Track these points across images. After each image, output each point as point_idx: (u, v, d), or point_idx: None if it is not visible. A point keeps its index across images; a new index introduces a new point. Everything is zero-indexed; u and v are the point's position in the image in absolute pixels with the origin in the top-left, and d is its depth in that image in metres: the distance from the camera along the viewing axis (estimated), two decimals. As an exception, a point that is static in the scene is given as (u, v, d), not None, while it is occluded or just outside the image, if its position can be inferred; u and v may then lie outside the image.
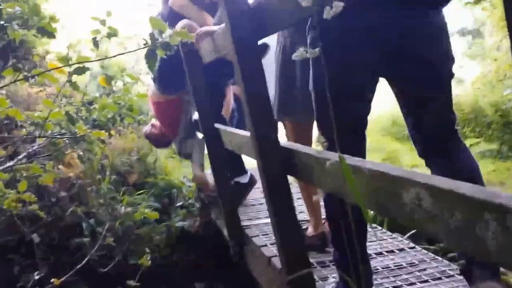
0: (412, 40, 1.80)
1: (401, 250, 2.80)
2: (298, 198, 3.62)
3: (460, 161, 1.87)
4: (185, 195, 5.00)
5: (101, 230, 4.45)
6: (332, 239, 2.10)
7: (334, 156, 1.60)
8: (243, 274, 3.79)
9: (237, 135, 2.71)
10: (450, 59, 1.89)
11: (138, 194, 4.98)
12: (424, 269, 2.50)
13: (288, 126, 2.95)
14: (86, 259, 3.21)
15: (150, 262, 3.08)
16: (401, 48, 1.80)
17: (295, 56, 1.34)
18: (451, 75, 1.90)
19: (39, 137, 2.51)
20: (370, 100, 1.91)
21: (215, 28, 2.80)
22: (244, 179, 3.86)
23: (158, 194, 5.07)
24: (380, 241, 2.96)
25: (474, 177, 1.83)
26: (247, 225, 3.43)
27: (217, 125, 3.27)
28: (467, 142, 8.49)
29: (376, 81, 1.91)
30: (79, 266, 3.22)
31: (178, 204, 4.94)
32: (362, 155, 1.92)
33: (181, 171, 5.50)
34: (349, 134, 1.85)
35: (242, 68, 2.10)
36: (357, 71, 1.82)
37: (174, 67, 3.60)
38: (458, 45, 15.09)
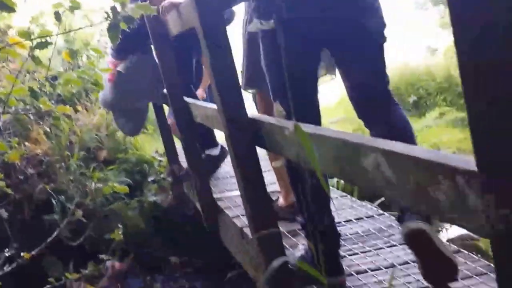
0: (343, 9, 1.89)
1: (370, 217, 2.89)
2: (269, 170, 3.67)
3: (393, 120, 1.98)
4: (157, 170, 5.02)
5: (71, 207, 4.46)
6: (297, 206, 2.17)
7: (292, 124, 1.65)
8: (217, 246, 3.85)
9: (205, 108, 2.74)
10: (381, 24, 1.97)
11: (108, 170, 4.98)
12: (392, 235, 2.59)
13: (257, 97, 2.98)
14: (55, 233, 3.21)
15: (122, 236, 3.10)
16: (335, 18, 1.91)
17: (250, 28, 1.38)
18: (383, 38, 1.99)
19: (2, 113, 2.49)
20: (316, 69, 2.02)
21: (180, 0, 2.79)
22: (215, 152, 3.90)
23: (129, 170, 5.07)
24: (349, 209, 3.04)
25: (406, 135, 1.94)
26: (219, 197, 3.48)
27: (186, 98, 3.29)
28: (439, 111, 8.66)
29: (319, 51, 2.01)
30: (49, 239, 3.22)
31: (150, 179, 4.96)
32: (317, 122, 2.01)
33: (152, 145, 5.50)
34: (303, 104, 1.94)
35: (208, 39, 2.11)
36: (303, 45, 1.91)
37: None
38: (431, 15, 15.20)
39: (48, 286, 2.88)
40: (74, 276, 2.85)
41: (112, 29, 1.97)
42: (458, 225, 1.01)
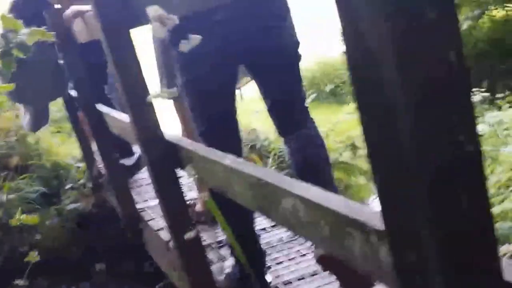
0: (259, 33, 1.95)
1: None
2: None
3: (307, 137, 2.06)
4: (75, 176, 4.86)
5: (-18, 222, 4.26)
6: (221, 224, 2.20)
7: (217, 157, 1.66)
8: (143, 254, 3.83)
9: (118, 120, 2.68)
10: (295, 43, 2.02)
11: (21, 179, 4.77)
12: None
13: (175, 105, 2.97)
14: None
15: (38, 257, 3.00)
16: (252, 40, 1.95)
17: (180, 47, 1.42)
18: (298, 57, 2.06)
19: None
20: (233, 92, 2.05)
21: (86, 7, 2.69)
22: (130, 161, 3.84)
23: (44, 177, 4.89)
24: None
25: (318, 152, 2.02)
26: (142, 208, 3.44)
27: (98, 106, 3.20)
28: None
29: (236, 71, 2.04)
30: None
31: (68, 186, 4.81)
32: (237, 148, 2.03)
33: (69, 148, 5.31)
34: (220, 127, 1.97)
35: (114, 56, 2.06)
36: (218, 64, 1.93)
37: None
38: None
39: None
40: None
41: (5, 56, 1.87)
42: (371, 276, 1.07)
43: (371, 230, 0.99)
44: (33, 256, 2.98)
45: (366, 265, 1.05)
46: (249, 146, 4.70)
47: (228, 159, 1.58)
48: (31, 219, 2.94)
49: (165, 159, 2.05)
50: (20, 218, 2.89)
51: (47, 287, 4.40)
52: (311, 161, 1.98)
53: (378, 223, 0.96)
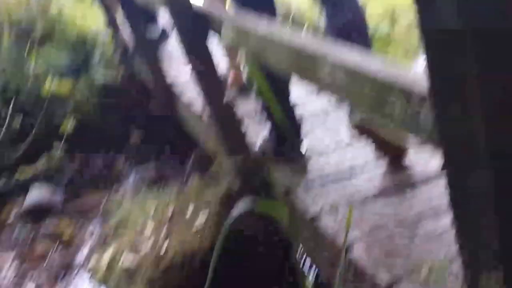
0: None
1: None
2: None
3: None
4: (101, 47, 4.88)
5: (13, 94, 4.38)
6: (258, 89, 2.26)
7: (253, 23, 1.67)
8: (177, 123, 3.96)
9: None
10: None
11: (47, 49, 4.82)
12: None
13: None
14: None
15: (72, 127, 3.12)
16: None
17: None
18: None
19: None
20: None
21: None
22: (155, 34, 3.84)
23: (70, 49, 4.92)
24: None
25: (356, 17, 2.00)
26: (173, 81, 3.50)
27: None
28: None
29: None
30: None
31: (96, 57, 4.84)
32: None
33: (92, 19, 5.26)
34: None
35: None
36: None
37: None
38: None
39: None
40: (28, 170, 2.90)
41: None
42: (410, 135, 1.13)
43: (412, 94, 1.03)
44: (67, 127, 3.10)
45: (405, 129, 1.11)
46: (282, 15, 4.59)
47: (263, 25, 1.59)
48: (62, 87, 3.03)
49: (196, 29, 2.07)
50: (51, 87, 2.96)
51: (83, 157, 4.62)
52: (349, 26, 1.96)
53: (419, 86, 1.01)
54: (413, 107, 1.05)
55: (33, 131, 3.13)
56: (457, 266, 1.48)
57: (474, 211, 0.86)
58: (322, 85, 1.34)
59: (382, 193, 1.96)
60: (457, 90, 0.80)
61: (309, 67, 1.33)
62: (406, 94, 1.05)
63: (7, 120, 3.15)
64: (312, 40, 1.41)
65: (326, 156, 2.32)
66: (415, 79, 1.05)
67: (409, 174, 2.04)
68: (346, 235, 1.46)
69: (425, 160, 2.08)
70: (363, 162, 2.19)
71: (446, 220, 1.62)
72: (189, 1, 2.07)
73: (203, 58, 2.15)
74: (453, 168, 0.90)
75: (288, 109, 2.23)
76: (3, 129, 3.08)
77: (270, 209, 1.22)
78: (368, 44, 2.02)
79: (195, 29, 2.06)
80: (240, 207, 1.13)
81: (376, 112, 1.17)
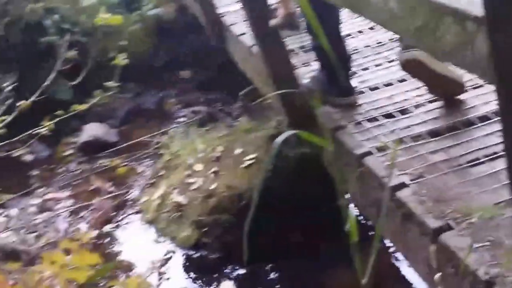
0: None
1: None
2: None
3: None
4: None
5: (68, 26, 4.46)
6: (307, 26, 2.20)
7: None
8: (226, 59, 3.94)
9: None
10: None
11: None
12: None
13: None
14: (59, 62, 3.20)
15: (125, 61, 3.16)
16: None
17: None
18: None
19: None
20: None
21: None
22: None
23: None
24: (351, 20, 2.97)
25: None
26: (223, 12, 3.46)
27: None
28: None
29: None
30: (56, 67, 3.21)
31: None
32: None
33: None
34: None
35: None
36: None
37: None
38: None
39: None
40: (82, 107, 2.98)
41: None
42: (462, 67, 1.07)
43: (468, 17, 0.97)
44: (121, 60, 3.14)
45: (458, 56, 1.05)
46: None
47: None
48: (114, 18, 3.05)
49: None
50: (104, 17, 2.99)
51: (137, 91, 4.70)
52: None
53: (476, 9, 0.94)
54: (468, 32, 0.99)
55: (88, 64, 3.16)
56: (509, 212, 1.42)
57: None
58: (374, 11, 1.28)
59: (435, 133, 1.90)
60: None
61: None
62: (460, 17, 0.98)
63: (62, 53, 3.21)
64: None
65: (378, 93, 2.26)
66: (473, 3, 0.98)
67: (464, 114, 1.96)
68: (390, 175, 1.42)
69: (482, 99, 1.98)
70: (416, 101, 2.12)
71: (501, 164, 1.55)
72: None
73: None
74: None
75: (338, 43, 2.16)
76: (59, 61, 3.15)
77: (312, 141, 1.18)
78: None
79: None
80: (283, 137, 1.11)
81: (427, 38, 1.12)
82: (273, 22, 2.40)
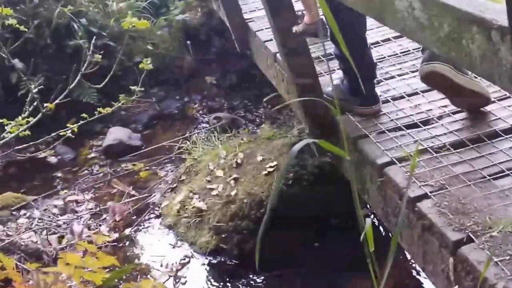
0: None
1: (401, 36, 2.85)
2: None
3: None
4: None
5: (95, 30, 4.53)
6: (330, 34, 2.19)
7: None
8: (250, 65, 3.96)
9: None
10: None
11: (129, -12, 4.92)
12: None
13: None
14: (86, 62, 3.23)
15: (151, 65, 3.19)
16: None
17: None
18: None
19: None
20: None
21: None
22: None
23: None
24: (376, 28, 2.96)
25: None
26: (250, 18, 3.48)
27: None
28: None
29: None
30: (83, 69, 3.25)
31: (177, -5, 4.90)
32: None
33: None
34: None
35: None
36: None
37: None
38: None
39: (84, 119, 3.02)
40: (106, 111, 3.02)
41: None
42: (487, 78, 1.06)
43: (493, 27, 0.96)
44: (147, 64, 3.17)
45: (483, 66, 1.04)
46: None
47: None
48: (142, 23, 3.08)
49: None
50: (132, 21, 3.02)
51: (161, 95, 4.74)
52: None
53: (502, 19, 0.93)
54: (493, 42, 0.98)
55: (113, 68, 3.19)
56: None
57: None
58: (399, 21, 1.28)
59: (458, 145, 1.88)
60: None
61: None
62: (485, 26, 0.97)
63: (88, 56, 3.25)
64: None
65: (402, 102, 2.24)
66: (499, 12, 0.97)
67: (489, 126, 1.93)
68: (410, 185, 1.40)
69: (508, 110, 1.96)
70: (440, 111, 2.10)
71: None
72: None
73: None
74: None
75: (364, 51, 2.15)
76: (84, 64, 3.19)
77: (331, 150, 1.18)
78: None
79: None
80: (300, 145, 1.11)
81: (452, 48, 1.11)
82: (298, 28, 2.41)
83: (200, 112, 4.52)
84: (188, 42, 4.75)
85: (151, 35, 4.78)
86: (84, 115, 3.09)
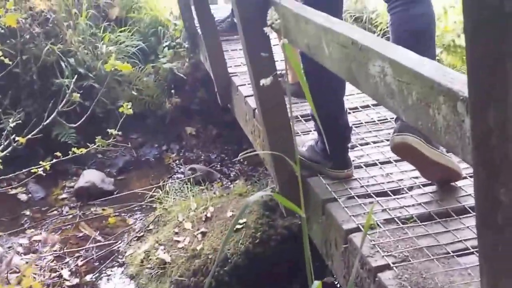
0: None
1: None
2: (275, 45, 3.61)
3: (417, 8, 1.91)
4: (172, 34, 4.97)
5: (83, 71, 4.53)
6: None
7: (310, 14, 1.61)
8: (232, 119, 3.94)
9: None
10: None
11: (120, 31, 4.96)
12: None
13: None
14: (65, 98, 3.20)
15: (131, 110, 3.18)
16: None
17: None
18: None
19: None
20: None
21: None
22: (223, 24, 3.85)
23: (143, 32, 5.04)
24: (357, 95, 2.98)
25: (427, 27, 1.92)
26: (233, 72, 3.49)
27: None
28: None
29: None
30: (58, 110, 3.23)
31: (165, 43, 4.94)
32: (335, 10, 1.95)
33: (167, 5, 5.37)
34: None
35: None
36: None
37: None
38: None
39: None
40: (81, 151, 2.97)
41: None
42: (452, 151, 1.03)
43: (460, 98, 0.94)
44: (127, 108, 3.15)
45: (448, 137, 1.02)
46: (354, 17, 4.50)
47: (321, 17, 1.54)
48: (124, 66, 3.08)
49: (256, 15, 2.02)
50: (114, 63, 3.02)
51: (140, 142, 4.70)
52: (415, 31, 1.86)
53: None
54: (458, 113, 0.96)
55: (91, 108, 3.18)
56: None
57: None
58: (372, 86, 1.27)
59: (426, 218, 1.84)
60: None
61: (361, 60, 1.26)
62: (453, 98, 0.96)
63: (66, 95, 3.24)
64: (368, 35, 1.33)
65: (374, 170, 2.22)
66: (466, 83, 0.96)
67: (458, 202, 1.91)
68: (373, 255, 1.35)
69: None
70: (411, 182, 2.07)
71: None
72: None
73: (259, 46, 2.09)
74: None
75: (341, 115, 2.14)
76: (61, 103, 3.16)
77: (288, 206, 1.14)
78: (433, 54, 1.93)
79: (256, 13, 2.01)
80: (255, 197, 1.07)
81: (420, 117, 1.10)
82: (266, 82, 2.40)
83: (177, 162, 4.47)
84: (173, 91, 4.74)
85: (137, 81, 4.78)
86: (56, 154, 3.04)
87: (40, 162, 3.23)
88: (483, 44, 0.75)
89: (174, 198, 3.56)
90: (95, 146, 3.13)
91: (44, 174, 3.31)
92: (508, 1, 0.66)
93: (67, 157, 3.02)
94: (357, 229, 1.81)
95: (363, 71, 1.28)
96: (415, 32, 1.88)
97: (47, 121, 3.05)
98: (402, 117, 1.19)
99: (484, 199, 0.84)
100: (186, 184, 3.72)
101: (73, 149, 3.02)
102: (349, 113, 2.69)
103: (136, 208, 3.85)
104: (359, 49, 1.28)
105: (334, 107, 2.12)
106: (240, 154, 3.42)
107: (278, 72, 3.31)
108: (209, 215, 3.14)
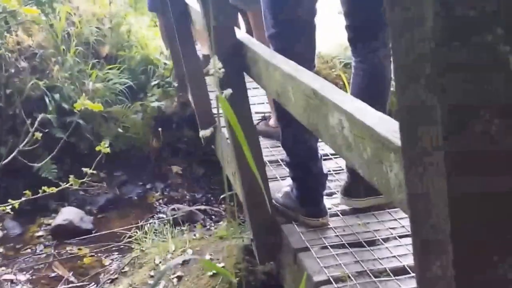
0: None
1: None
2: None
3: (380, 54, 1.96)
4: (162, 73, 5.00)
5: (68, 107, 4.53)
6: (282, 141, 2.17)
7: (278, 61, 1.62)
8: (218, 160, 3.92)
9: (198, 12, 2.68)
10: None
11: (109, 68, 4.98)
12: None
13: (249, 16, 2.95)
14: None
15: (108, 150, 3.15)
16: None
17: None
18: None
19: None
20: None
21: None
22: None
23: (132, 70, 5.06)
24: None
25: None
26: (218, 113, 3.49)
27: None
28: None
29: None
30: (19, 149, 3.17)
31: (154, 82, 4.95)
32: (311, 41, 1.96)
33: (159, 44, 5.43)
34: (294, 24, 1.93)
35: None
36: None
37: None
38: None
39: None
40: (52, 190, 2.94)
41: None
42: (405, 212, 1.01)
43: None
44: (104, 147, 3.13)
45: (399, 196, 1.00)
46: (343, 63, 4.52)
47: (288, 65, 1.53)
48: (95, 106, 3.07)
49: (233, 58, 2.02)
50: (84, 103, 3.01)
51: (124, 179, 4.66)
52: (376, 81, 1.90)
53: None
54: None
55: (59, 145, 3.17)
56: None
57: None
58: (331, 137, 1.26)
59: (400, 271, 1.81)
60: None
61: (322, 111, 1.25)
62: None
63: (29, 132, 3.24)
64: (328, 85, 1.33)
65: (350, 219, 2.19)
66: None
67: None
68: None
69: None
70: (387, 233, 2.05)
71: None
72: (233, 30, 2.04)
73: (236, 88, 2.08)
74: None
75: (315, 162, 2.12)
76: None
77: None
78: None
79: (233, 56, 2.01)
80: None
81: (375, 173, 1.08)
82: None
83: (160, 201, 4.42)
84: (160, 129, 4.73)
85: (124, 118, 4.78)
86: (27, 192, 3.00)
87: (9, 200, 3.18)
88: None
89: (152, 239, 3.50)
90: (67, 185, 3.09)
91: (11, 213, 3.24)
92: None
93: (37, 195, 3.00)
94: (327, 281, 1.78)
95: (323, 121, 1.27)
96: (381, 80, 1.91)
97: (6, 160, 3.04)
98: (359, 171, 1.17)
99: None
100: (165, 225, 3.67)
101: (43, 187, 2.99)
102: (330, 158, 2.68)
103: (113, 249, 3.79)
104: (320, 100, 1.27)
105: (306, 155, 2.10)
106: (222, 196, 3.39)
107: (262, 115, 3.34)
108: (186, 258, 3.08)
